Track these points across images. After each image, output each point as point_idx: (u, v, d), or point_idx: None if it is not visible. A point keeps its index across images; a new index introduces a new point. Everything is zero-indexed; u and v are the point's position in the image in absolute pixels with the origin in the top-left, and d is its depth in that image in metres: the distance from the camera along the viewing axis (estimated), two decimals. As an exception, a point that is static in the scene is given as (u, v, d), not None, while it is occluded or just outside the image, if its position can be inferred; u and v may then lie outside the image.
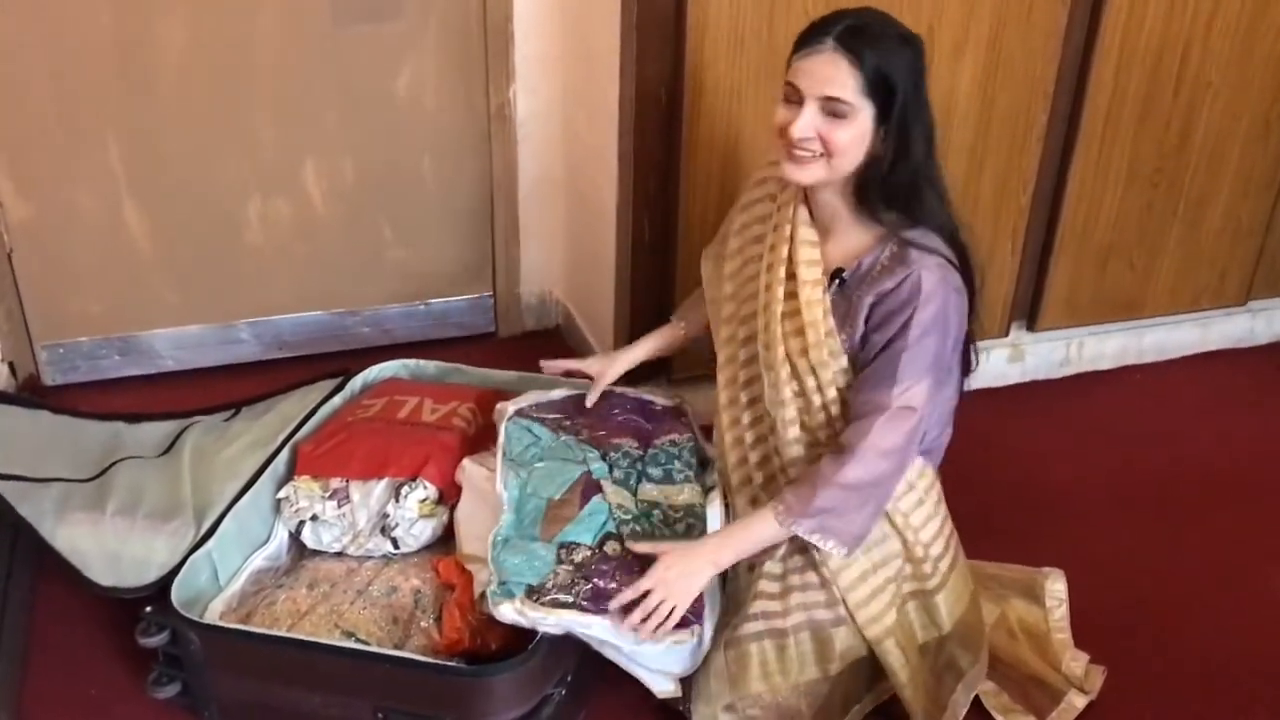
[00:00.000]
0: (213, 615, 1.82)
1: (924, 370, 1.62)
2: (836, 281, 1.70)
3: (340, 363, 2.66)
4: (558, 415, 2.00)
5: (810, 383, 1.71)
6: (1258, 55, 2.50)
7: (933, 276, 1.60)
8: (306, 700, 1.70)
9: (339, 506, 1.98)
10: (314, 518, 1.98)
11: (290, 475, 2.03)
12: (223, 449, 2.14)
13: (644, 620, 1.62)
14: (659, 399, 2.15)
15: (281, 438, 2.11)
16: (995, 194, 2.47)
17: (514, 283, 2.86)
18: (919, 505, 1.76)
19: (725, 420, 1.86)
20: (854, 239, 1.70)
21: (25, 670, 1.90)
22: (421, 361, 2.36)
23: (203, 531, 1.89)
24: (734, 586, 1.82)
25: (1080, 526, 2.32)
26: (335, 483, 1.99)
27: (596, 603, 1.65)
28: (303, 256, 2.67)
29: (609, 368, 2.07)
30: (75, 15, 2.30)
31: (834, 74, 1.56)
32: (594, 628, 1.64)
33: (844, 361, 1.69)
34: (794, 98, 1.60)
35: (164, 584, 1.80)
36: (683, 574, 1.65)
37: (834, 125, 1.58)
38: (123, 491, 2.01)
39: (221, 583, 1.88)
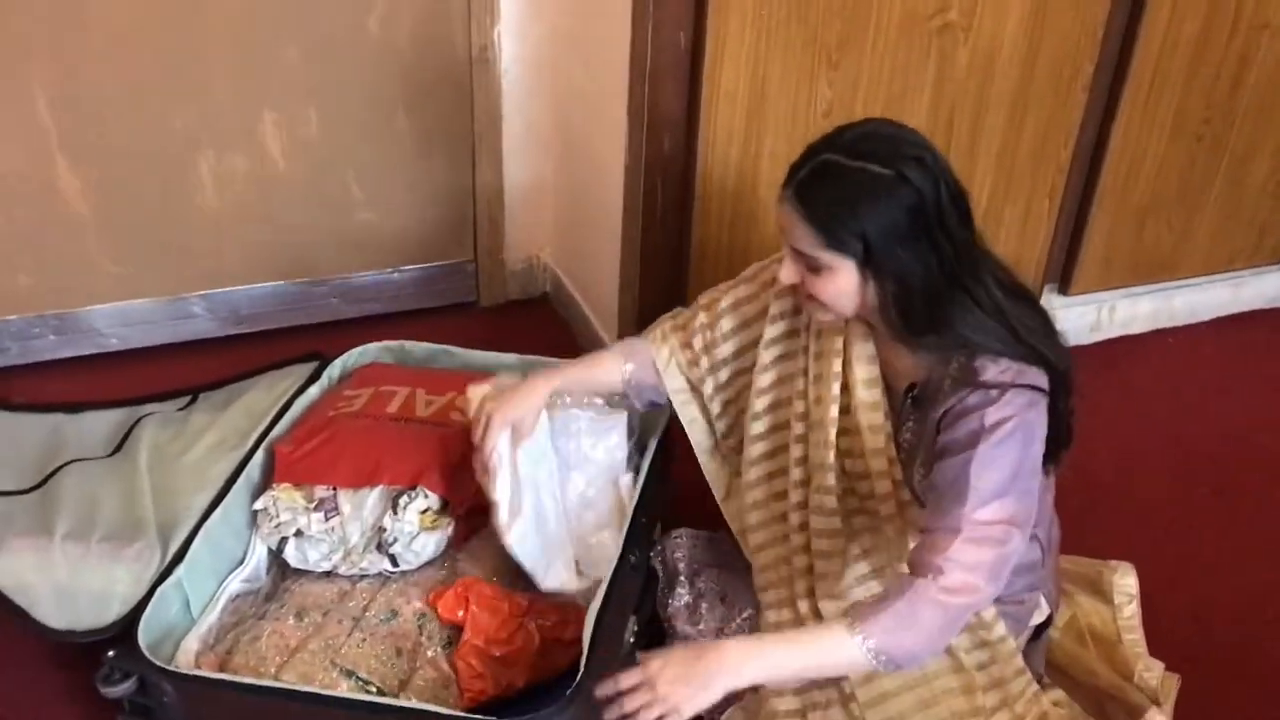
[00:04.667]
0: (187, 654, 1.58)
1: (1001, 484, 1.38)
2: (909, 398, 1.51)
3: (305, 338, 2.46)
4: None
5: (862, 485, 1.58)
6: (1317, -6, 2.31)
7: (1003, 370, 1.39)
8: (304, 757, 1.47)
9: (326, 519, 1.73)
10: (298, 533, 1.73)
11: (267, 483, 1.78)
12: (185, 451, 1.88)
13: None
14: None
15: (254, 437, 1.85)
16: (1035, 149, 2.27)
17: (498, 247, 2.62)
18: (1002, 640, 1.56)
19: (755, 520, 1.69)
20: (913, 356, 1.49)
21: (-37, 721, 1.65)
22: (406, 343, 2.11)
23: (170, 555, 1.64)
24: None
25: (1132, 510, 2.16)
26: (321, 491, 1.75)
27: None
28: (261, 220, 2.42)
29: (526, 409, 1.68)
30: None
31: (794, 229, 1.40)
32: None
33: (899, 471, 1.55)
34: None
35: (129, 621, 1.54)
36: (684, 683, 1.31)
37: (813, 279, 1.42)
38: (72, 507, 1.74)
39: (194, 614, 1.64)
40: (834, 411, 1.57)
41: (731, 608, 1.70)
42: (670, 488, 1.89)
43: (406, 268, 2.57)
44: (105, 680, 1.49)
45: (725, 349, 1.71)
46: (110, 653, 1.49)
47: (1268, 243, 2.65)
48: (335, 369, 2.04)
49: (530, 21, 2.37)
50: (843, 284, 1.40)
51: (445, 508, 1.73)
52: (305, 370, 2.05)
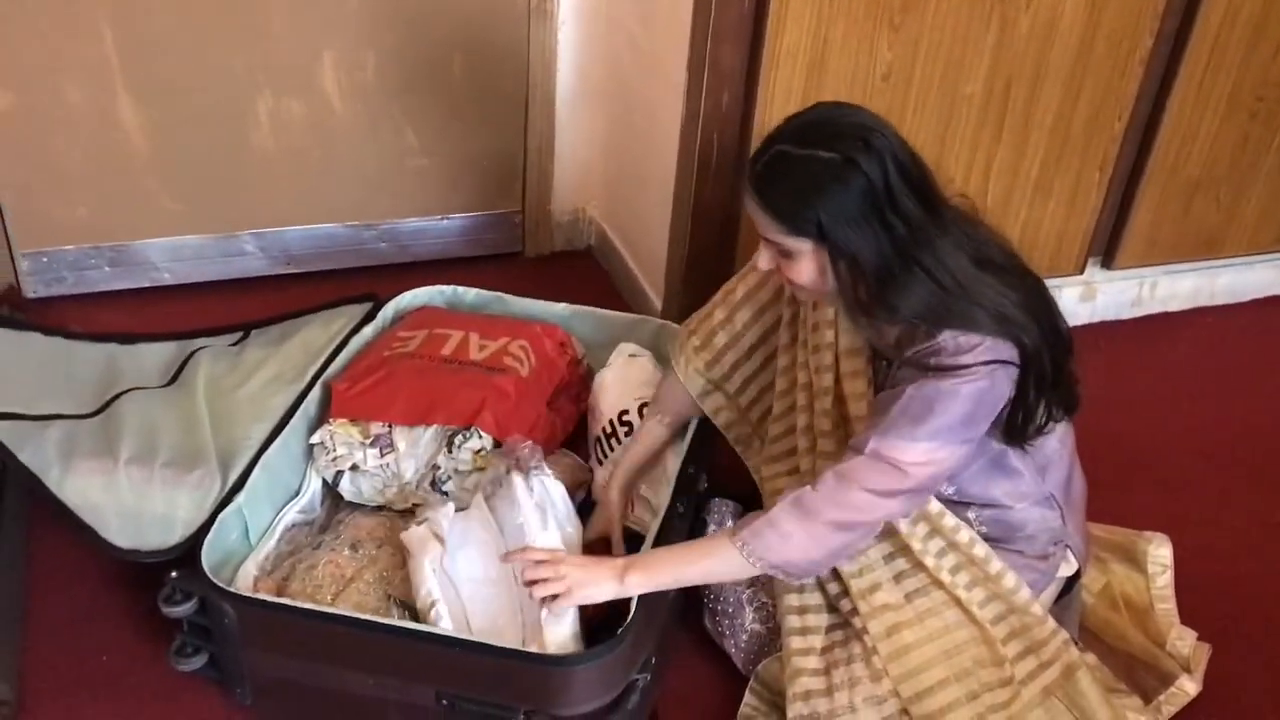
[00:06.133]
0: (245, 578, 1.61)
1: (921, 430, 1.41)
2: (883, 364, 1.56)
3: (353, 281, 2.47)
4: None
5: None
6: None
7: (963, 344, 1.41)
8: (358, 683, 1.50)
9: (381, 455, 1.76)
10: (354, 467, 1.76)
11: (323, 417, 1.80)
12: (242, 383, 1.90)
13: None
14: None
15: (311, 372, 1.88)
16: (1089, 121, 2.26)
17: (545, 198, 2.62)
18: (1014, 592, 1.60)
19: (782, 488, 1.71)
20: (885, 326, 1.52)
21: (23, 636, 1.69)
22: (459, 288, 2.12)
23: (230, 483, 1.67)
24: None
25: (1164, 485, 2.16)
26: (376, 428, 1.78)
27: None
28: (316, 162, 2.42)
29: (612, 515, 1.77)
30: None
31: (760, 219, 1.44)
32: None
33: None
34: None
35: (191, 545, 1.58)
36: (582, 570, 1.49)
37: (786, 263, 1.46)
38: (134, 433, 1.77)
39: (252, 542, 1.67)
40: (828, 380, 1.60)
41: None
42: (714, 449, 1.89)
43: (455, 215, 2.57)
44: (167, 600, 1.51)
45: (749, 337, 1.75)
46: (173, 574, 1.52)
47: (1315, 224, 2.64)
48: (389, 310, 2.06)
49: (589, -27, 2.37)
50: (809, 266, 1.43)
51: (498, 449, 1.76)
52: (359, 310, 2.06)
